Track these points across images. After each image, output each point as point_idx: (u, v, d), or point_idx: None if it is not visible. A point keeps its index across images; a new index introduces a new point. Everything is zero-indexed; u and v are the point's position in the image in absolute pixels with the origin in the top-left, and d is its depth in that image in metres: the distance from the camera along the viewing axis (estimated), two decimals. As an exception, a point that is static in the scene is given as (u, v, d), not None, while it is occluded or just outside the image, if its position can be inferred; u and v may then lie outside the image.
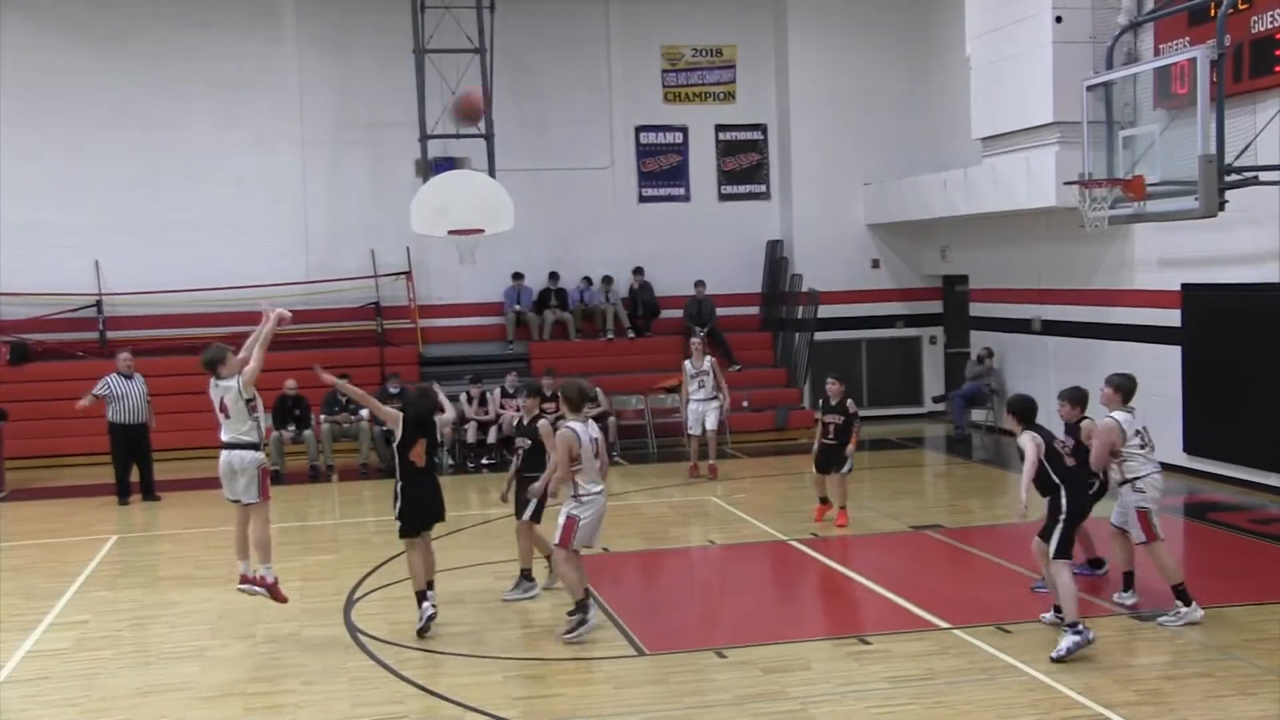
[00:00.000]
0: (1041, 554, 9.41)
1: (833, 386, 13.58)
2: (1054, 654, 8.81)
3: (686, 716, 8.07)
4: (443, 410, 10.98)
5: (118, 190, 20.99)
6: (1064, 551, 9.17)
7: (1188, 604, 9.59)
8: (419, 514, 10.00)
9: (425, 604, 9.89)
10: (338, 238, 21.70)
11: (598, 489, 9.68)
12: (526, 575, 11.01)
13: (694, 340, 17.86)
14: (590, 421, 9.86)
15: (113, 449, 16.39)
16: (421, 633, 9.79)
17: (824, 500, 13.77)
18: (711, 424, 16.84)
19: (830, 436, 13.43)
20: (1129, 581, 10.16)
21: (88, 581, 12.07)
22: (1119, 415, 9.85)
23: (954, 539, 12.88)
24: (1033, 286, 19.47)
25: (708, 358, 17.27)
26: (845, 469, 13.48)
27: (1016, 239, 19.69)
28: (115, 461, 16.41)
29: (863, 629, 9.87)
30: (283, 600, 10.16)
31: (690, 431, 17.07)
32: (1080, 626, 8.88)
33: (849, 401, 13.51)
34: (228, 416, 9.83)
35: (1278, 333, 14.33)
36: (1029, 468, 9.14)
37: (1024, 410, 9.36)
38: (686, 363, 17.29)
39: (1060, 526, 9.13)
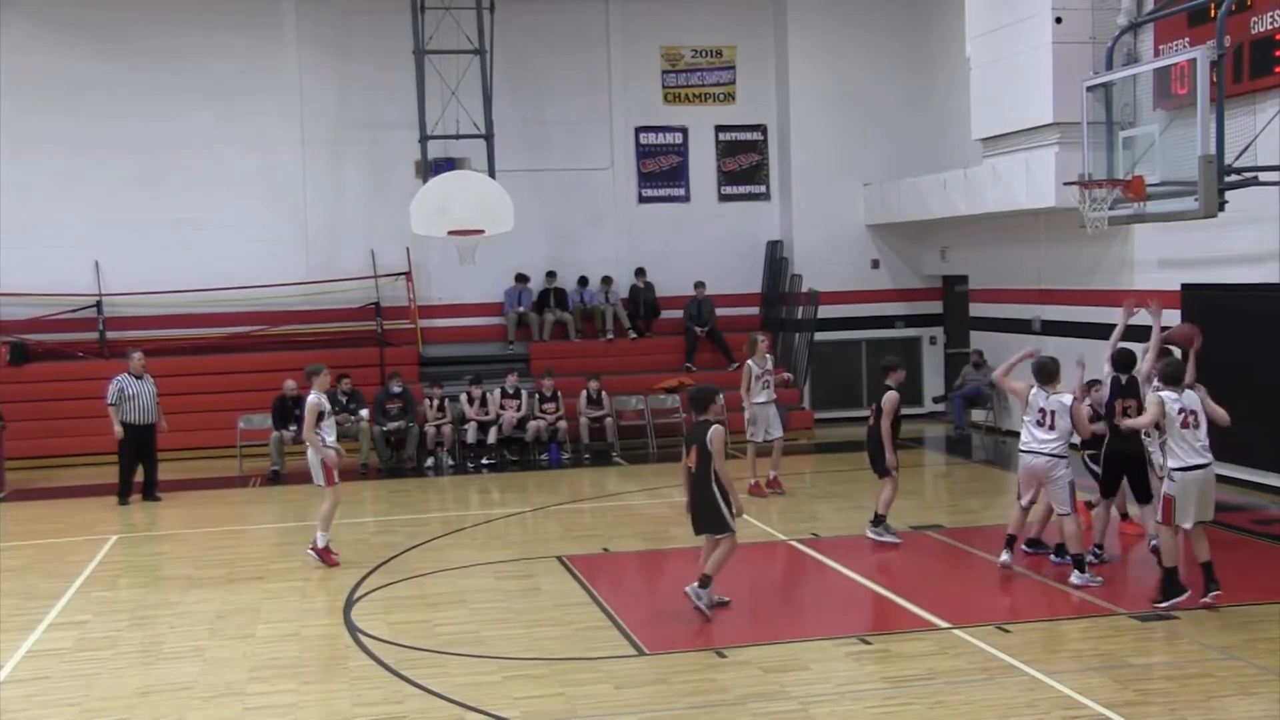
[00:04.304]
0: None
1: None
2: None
3: (686, 716, 8.07)
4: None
5: (118, 190, 20.99)
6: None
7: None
8: None
9: None
10: (337, 238, 21.70)
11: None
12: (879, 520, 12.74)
13: (762, 338, 16.12)
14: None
15: (120, 448, 16.26)
16: None
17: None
18: (779, 430, 15.77)
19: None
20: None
21: (88, 581, 12.06)
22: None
23: (954, 539, 12.88)
24: (1033, 286, 19.46)
25: (769, 356, 16.33)
26: None
27: (1016, 239, 19.69)
28: (121, 461, 16.31)
29: (863, 629, 9.87)
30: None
31: (754, 439, 15.66)
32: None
33: None
34: None
35: (1278, 333, 14.31)
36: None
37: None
38: (750, 363, 15.60)
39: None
